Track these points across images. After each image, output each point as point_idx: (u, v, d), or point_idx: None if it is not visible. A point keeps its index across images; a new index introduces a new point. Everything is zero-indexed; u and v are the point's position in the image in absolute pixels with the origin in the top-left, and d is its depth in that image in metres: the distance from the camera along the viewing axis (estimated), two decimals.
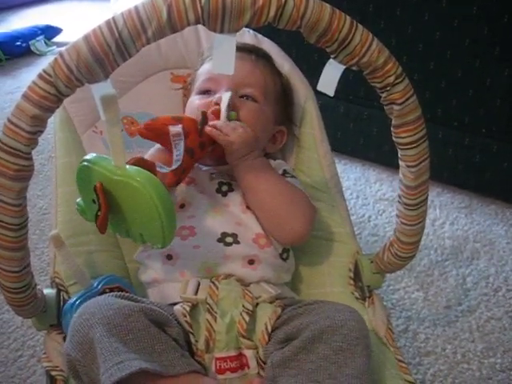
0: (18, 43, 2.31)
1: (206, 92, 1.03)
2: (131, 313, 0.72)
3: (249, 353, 0.81)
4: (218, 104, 0.95)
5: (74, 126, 1.09)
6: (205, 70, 1.07)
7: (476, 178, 1.59)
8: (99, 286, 0.85)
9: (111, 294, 0.78)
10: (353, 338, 0.75)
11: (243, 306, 0.82)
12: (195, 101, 1.02)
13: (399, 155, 0.80)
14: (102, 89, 0.65)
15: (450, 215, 1.55)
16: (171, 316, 0.79)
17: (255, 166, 0.93)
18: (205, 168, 1.01)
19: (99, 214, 0.73)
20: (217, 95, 0.98)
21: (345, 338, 0.74)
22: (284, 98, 1.10)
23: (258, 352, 0.81)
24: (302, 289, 1.01)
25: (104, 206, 0.72)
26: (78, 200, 0.80)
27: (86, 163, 0.74)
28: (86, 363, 0.71)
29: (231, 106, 0.94)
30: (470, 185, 1.62)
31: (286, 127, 1.11)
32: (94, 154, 0.75)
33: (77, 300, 0.83)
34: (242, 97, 1.00)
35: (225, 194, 0.96)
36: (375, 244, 1.41)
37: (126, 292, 0.86)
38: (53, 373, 0.80)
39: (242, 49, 1.03)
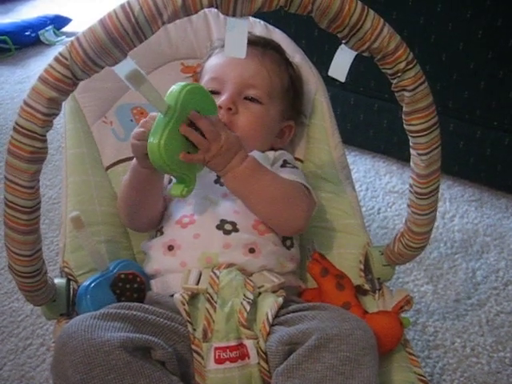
0: (27, 33, 2.31)
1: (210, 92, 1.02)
2: (112, 350, 0.69)
3: (249, 343, 0.79)
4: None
5: (84, 117, 1.10)
6: (211, 65, 1.05)
7: (487, 171, 1.58)
8: (114, 270, 0.86)
9: (98, 313, 0.74)
10: (360, 348, 0.73)
11: (244, 295, 0.81)
12: None
13: (410, 143, 0.79)
14: (123, 67, 0.66)
15: (461, 208, 1.54)
16: (163, 327, 0.78)
17: (242, 173, 0.87)
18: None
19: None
20: (222, 98, 0.98)
21: (352, 348, 0.72)
22: (292, 91, 1.09)
23: (258, 342, 0.79)
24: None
25: None
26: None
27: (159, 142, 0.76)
28: None
29: None
30: (480, 178, 1.61)
31: (294, 121, 1.10)
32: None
33: (91, 283, 0.84)
34: (246, 98, 1.00)
35: (222, 184, 0.94)
36: (384, 236, 1.41)
37: (140, 278, 0.87)
38: None
39: (249, 42, 1.02)
